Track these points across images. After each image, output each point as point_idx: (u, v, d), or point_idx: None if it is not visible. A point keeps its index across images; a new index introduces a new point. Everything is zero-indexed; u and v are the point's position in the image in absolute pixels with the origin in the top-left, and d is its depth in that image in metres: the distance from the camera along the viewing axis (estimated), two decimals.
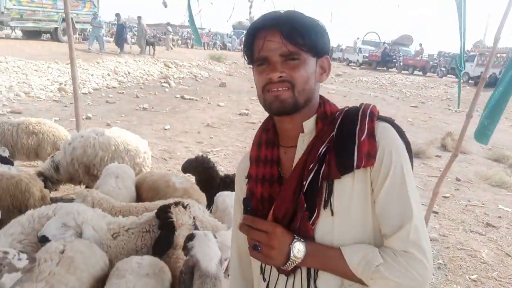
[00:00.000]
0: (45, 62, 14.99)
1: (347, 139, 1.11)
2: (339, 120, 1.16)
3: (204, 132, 9.96)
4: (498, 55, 26.01)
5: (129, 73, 17.45)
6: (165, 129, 9.74)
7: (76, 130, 6.32)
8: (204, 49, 33.79)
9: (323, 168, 1.12)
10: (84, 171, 4.77)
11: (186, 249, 2.38)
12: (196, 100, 14.31)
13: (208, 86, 18.44)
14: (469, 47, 34.14)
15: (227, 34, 45.30)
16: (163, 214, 2.83)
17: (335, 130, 1.15)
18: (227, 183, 4.32)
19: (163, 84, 16.76)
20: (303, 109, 1.18)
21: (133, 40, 26.68)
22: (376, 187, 1.10)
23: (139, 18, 23.40)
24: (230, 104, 14.25)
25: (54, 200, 3.58)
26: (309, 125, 1.21)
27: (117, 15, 22.14)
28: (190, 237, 2.39)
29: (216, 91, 16.99)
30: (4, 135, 5.35)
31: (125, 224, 2.86)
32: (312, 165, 1.13)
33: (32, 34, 20.65)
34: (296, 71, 1.14)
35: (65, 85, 13.06)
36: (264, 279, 1.25)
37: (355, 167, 1.09)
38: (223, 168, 7.05)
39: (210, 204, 3.99)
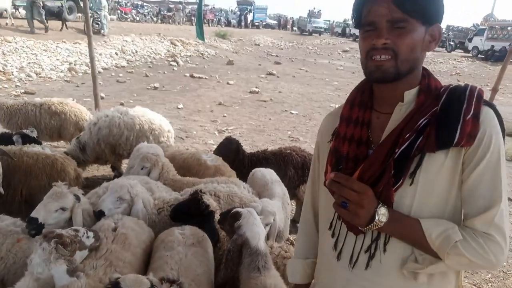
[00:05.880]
0: (53, 41, 14.91)
1: (451, 116, 1.12)
2: (444, 96, 1.17)
3: (217, 110, 9.98)
4: (509, 28, 25.63)
5: (136, 52, 17.40)
6: (178, 108, 9.76)
7: (95, 110, 6.36)
8: (209, 26, 33.44)
9: (419, 140, 1.13)
10: (110, 151, 4.81)
11: (231, 228, 2.33)
12: (205, 78, 14.28)
13: (215, 64, 18.36)
14: (479, 21, 33.58)
15: (231, 10, 44.62)
16: (200, 204, 2.74)
17: (439, 105, 1.15)
18: (254, 161, 4.30)
19: (171, 63, 16.73)
20: (405, 78, 1.18)
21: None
22: (468, 167, 1.12)
23: None
24: (239, 82, 14.21)
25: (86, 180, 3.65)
26: (410, 95, 1.20)
27: None
28: (236, 216, 2.33)
29: (224, 69, 16.93)
30: (27, 115, 5.37)
31: (169, 200, 2.91)
32: (408, 134, 1.14)
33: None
34: (401, 39, 1.12)
35: (74, 64, 13.04)
36: (333, 235, 1.29)
37: (453, 145, 1.10)
38: None
39: None
